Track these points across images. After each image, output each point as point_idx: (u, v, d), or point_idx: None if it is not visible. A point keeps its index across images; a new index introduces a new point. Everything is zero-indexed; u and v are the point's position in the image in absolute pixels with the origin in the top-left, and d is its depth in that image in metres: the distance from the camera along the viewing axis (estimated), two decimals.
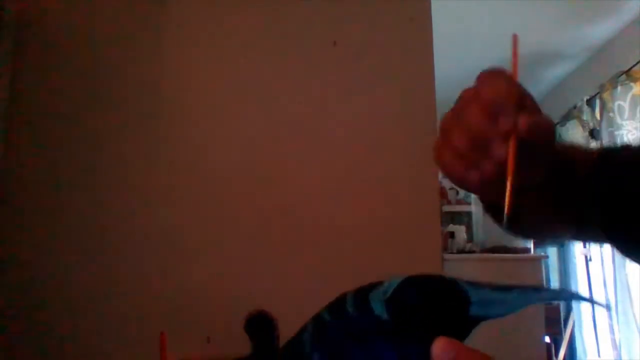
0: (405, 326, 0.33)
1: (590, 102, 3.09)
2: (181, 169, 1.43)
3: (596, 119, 3.02)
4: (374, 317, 0.34)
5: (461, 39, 3.01)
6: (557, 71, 3.48)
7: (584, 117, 3.12)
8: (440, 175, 2.63)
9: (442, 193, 3.28)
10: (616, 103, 2.79)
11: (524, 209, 0.48)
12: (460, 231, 2.23)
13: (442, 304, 0.33)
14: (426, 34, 1.60)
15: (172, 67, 1.48)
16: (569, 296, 0.35)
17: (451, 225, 2.39)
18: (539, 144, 0.46)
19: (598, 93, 2.97)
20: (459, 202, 3.32)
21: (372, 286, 0.37)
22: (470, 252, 2.14)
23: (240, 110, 1.50)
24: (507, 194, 0.44)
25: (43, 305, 1.29)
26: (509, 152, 0.45)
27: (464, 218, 3.03)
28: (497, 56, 3.47)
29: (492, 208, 0.56)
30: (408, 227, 1.49)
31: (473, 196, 2.33)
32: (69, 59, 1.43)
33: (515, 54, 0.52)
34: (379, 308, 0.34)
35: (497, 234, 2.04)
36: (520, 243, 2.04)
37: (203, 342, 1.32)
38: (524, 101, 0.46)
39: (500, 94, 0.45)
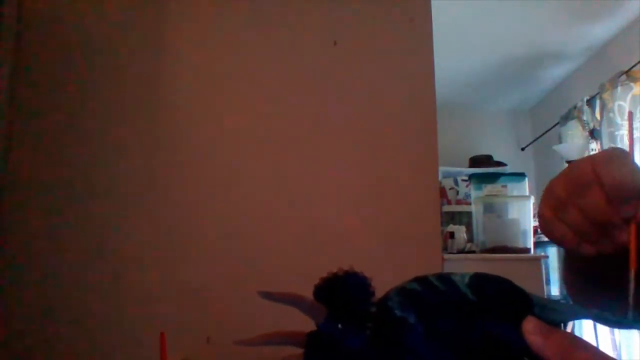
0: (491, 307, 0.36)
1: (590, 102, 3.09)
2: (181, 169, 1.43)
3: (596, 119, 3.02)
4: (461, 293, 0.37)
5: (461, 39, 3.01)
6: (557, 71, 3.48)
7: (584, 117, 3.12)
8: (440, 175, 2.62)
9: (442, 193, 3.27)
10: (616, 103, 2.79)
11: None
12: (460, 231, 2.22)
13: (518, 298, 0.37)
14: (426, 34, 1.60)
15: (172, 66, 1.48)
16: (614, 322, 0.36)
17: (451, 225, 2.39)
18: None
19: (598, 93, 2.97)
20: (459, 202, 3.31)
21: (441, 273, 0.40)
22: (470, 252, 2.13)
23: (241, 109, 1.50)
24: (631, 285, 0.44)
25: (43, 306, 1.29)
26: (631, 239, 0.46)
27: (464, 218, 3.02)
28: (496, 56, 3.49)
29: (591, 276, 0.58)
30: (408, 227, 1.49)
31: (473, 197, 2.33)
32: (69, 59, 1.42)
33: (630, 131, 0.54)
34: (463, 288, 0.37)
35: (497, 234, 2.04)
36: (520, 243, 2.04)
37: (203, 342, 1.32)
38: None
39: (625, 181, 0.46)
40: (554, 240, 0.52)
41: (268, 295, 0.39)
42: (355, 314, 0.39)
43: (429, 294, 0.39)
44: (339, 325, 0.38)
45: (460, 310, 0.37)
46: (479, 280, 0.38)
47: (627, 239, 0.46)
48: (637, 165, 0.49)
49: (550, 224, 0.51)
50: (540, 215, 0.52)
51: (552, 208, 0.50)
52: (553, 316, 0.36)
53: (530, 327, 0.34)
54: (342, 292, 0.39)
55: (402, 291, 0.40)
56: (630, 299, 0.43)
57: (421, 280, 0.40)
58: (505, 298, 0.37)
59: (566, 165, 2.86)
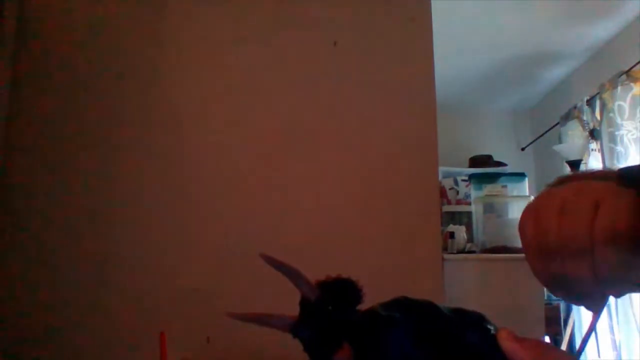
0: (466, 321, 0.41)
1: (590, 102, 3.09)
2: (182, 169, 1.43)
3: (596, 119, 3.02)
4: (440, 309, 0.42)
5: (461, 39, 3.01)
6: (557, 71, 3.48)
7: (584, 117, 3.11)
8: (440, 175, 2.61)
9: (442, 193, 3.27)
10: (616, 103, 2.79)
11: None
12: (460, 231, 2.22)
13: (486, 320, 0.42)
14: (426, 34, 1.60)
15: (172, 67, 1.48)
16: None
17: (451, 225, 2.39)
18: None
19: (598, 93, 2.97)
20: (459, 202, 3.31)
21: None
22: (470, 252, 2.13)
23: (240, 109, 1.49)
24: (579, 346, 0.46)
25: (43, 305, 1.29)
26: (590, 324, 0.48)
27: (464, 218, 3.02)
28: (497, 56, 3.48)
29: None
30: (408, 227, 1.49)
31: (473, 197, 2.33)
32: (69, 58, 1.42)
33: None
34: (441, 307, 0.42)
35: (497, 234, 2.04)
36: (520, 243, 2.04)
37: (203, 342, 1.32)
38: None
39: (614, 266, 0.43)
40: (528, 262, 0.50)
41: (270, 260, 0.41)
42: (345, 304, 0.42)
43: (412, 302, 0.42)
44: (330, 307, 0.41)
45: (440, 318, 0.41)
46: (454, 307, 0.43)
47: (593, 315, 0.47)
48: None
49: (530, 259, 0.48)
50: (523, 233, 0.49)
51: (537, 248, 0.47)
52: None
53: (505, 335, 0.38)
54: (332, 292, 0.42)
55: (386, 302, 0.43)
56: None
57: (403, 296, 0.44)
58: (477, 317, 0.42)
59: (566, 165, 2.86)
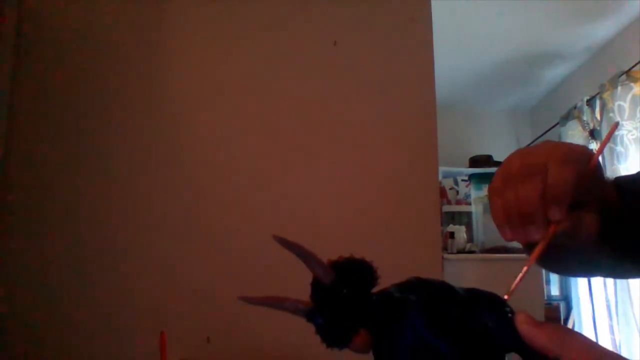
0: (481, 302, 0.40)
1: (590, 102, 3.09)
2: (182, 169, 1.43)
3: (596, 119, 3.02)
4: (454, 289, 0.41)
5: (461, 39, 3.01)
6: (557, 71, 3.48)
7: (584, 117, 3.11)
8: (440, 175, 2.61)
9: (442, 193, 3.27)
10: (616, 103, 2.79)
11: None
12: (460, 231, 2.22)
13: (502, 301, 0.41)
14: (426, 34, 1.60)
15: (172, 66, 1.48)
16: None
17: (451, 225, 2.39)
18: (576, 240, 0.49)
19: (598, 93, 2.97)
20: (459, 202, 3.31)
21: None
22: (470, 252, 2.14)
23: (241, 109, 1.49)
24: (519, 277, 0.46)
25: (42, 305, 1.29)
26: (541, 240, 0.47)
27: (464, 218, 3.02)
28: (497, 56, 3.47)
29: None
30: (408, 227, 1.49)
31: (473, 197, 2.33)
32: (69, 57, 1.42)
33: (604, 142, 0.57)
34: (456, 287, 0.41)
35: (497, 234, 2.05)
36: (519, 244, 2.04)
37: (203, 342, 1.32)
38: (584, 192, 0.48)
39: (566, 185, 0.46)
40: (491, 209, 0.52)
41: (284, 241, 0.41)
42: (360, 287, 0.41)
43: (426, 283, 0.41)
44: (344, 291, 0.40)
45: (455, 299, 0.40)
46: (469, 288, 0.42)
47: (539, 238, 0.47)
48: (599, 172, 0.48)
49: (492, 195, 0.51)
50: (492, 180, 0.52)
51: (501, 178, 0.50)
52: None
53: (523, 318, 0.36)
54: (348, 274, 0.41)
55: (399, 283, 0.42)
56: (511, 289, 0.44)
57: (416, 277, 0.42)
58: (493, 298, 0.41)
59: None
